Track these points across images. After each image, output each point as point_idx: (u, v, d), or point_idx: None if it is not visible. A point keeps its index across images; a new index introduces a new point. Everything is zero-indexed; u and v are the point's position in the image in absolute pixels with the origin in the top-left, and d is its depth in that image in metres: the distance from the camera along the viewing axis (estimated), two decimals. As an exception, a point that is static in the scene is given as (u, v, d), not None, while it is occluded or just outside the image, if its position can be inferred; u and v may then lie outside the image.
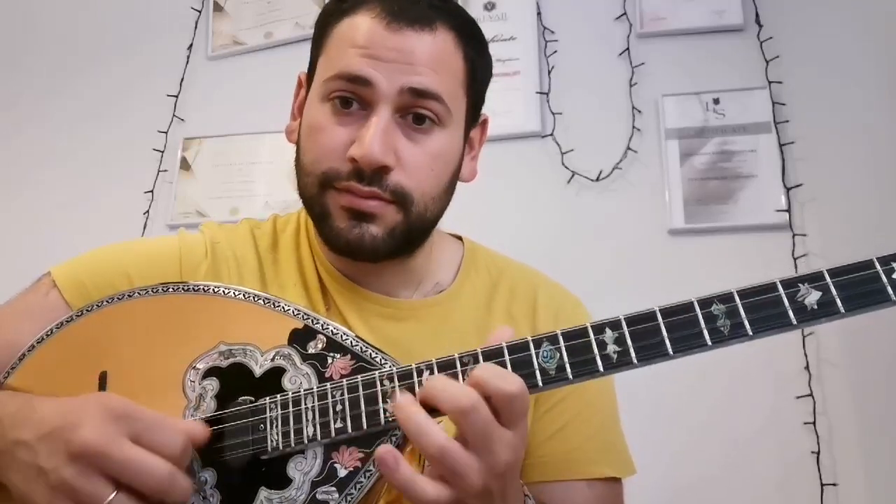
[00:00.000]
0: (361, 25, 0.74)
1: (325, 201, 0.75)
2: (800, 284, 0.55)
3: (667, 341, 0.56)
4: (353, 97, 0.74)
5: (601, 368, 0.57)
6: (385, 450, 0.55)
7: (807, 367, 1.52)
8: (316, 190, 0.76)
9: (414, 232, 0.78)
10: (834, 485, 1.46)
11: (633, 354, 0.57)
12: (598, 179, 1.77)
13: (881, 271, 0.54)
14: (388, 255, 0.77)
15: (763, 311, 0.55)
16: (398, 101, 0.73)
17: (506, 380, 0.55)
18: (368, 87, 0.73)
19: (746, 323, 0.55)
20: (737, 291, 0.56)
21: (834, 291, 0.54)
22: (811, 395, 1.51)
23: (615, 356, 0.57)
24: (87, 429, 0.55)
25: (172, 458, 0.57)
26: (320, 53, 0.79)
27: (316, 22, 0.82)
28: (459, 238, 0.93)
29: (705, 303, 0.57)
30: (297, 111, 0.84)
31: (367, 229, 0.74)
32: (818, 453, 1.48)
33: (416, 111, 0.75)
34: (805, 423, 1.50)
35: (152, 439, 0.56)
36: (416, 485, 0.55)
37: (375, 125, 0.72)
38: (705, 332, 0.56)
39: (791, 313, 0.55)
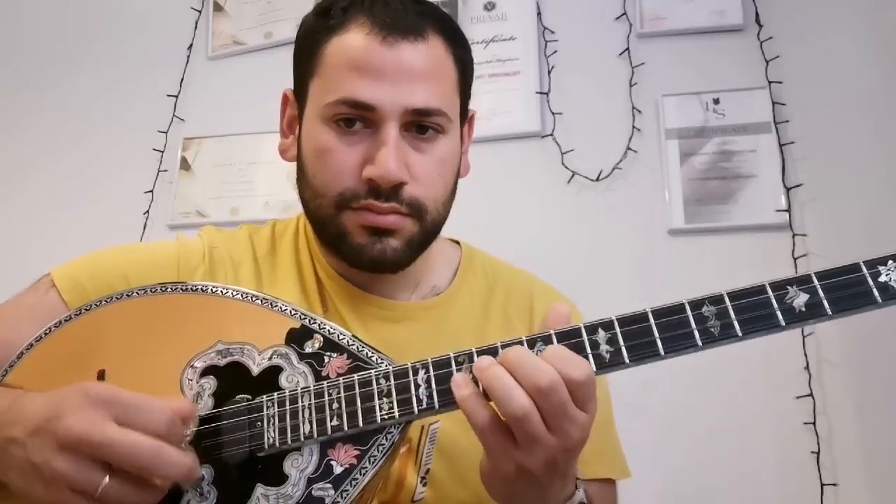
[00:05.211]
0: (355, 43, 0.75)
1: (342, 221, 0.77)
2: (788, 287, 0.56)
3: (658, 342, 0.57)
4: (357, 118, 0.75)
5: (594, 368, 0.58)
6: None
7: (807, 367, 1.52)
8: (332, 211, 0.77)
9: (428, 238, 0.80)
10: (834, 485, 1.46)
11: (625, 354, 0.58)
12: (598, 179, 1.77)
13: (867, 274, 0.55)
14: (408, 264, 0.79)
15: (752, 312, 0.56)
16: (403, 119, 0.75)
17: (575, 366, 0.57)
18: (373, 112, 0.74)
19: (736, 324, 0.56)
20: (727, 293, 0.57)
21: (821, 294, 0.55)
22: (811, 395, 1.51)
23: (607, 356, 0.58)
24: (71, 418, 0.56)
25: (158, 434, 0.57)
26: (312, 74, 0.78)
27: (299, 38, 0.81)
28: (457, 242, 0.94)
29: (696, 304, 0.58)
30: (287, 128, 0.85)
31: (388, 243, 0.76)
32: (818, 453, 1.48)
33: (420, 123, 0.76)
34: (805, 423, 1.50)
35: (136, 419, 0.57)
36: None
37: (388, 144, 0.73)
38: (696, 333, 0.57)
39: (779, 315, 0.56)
